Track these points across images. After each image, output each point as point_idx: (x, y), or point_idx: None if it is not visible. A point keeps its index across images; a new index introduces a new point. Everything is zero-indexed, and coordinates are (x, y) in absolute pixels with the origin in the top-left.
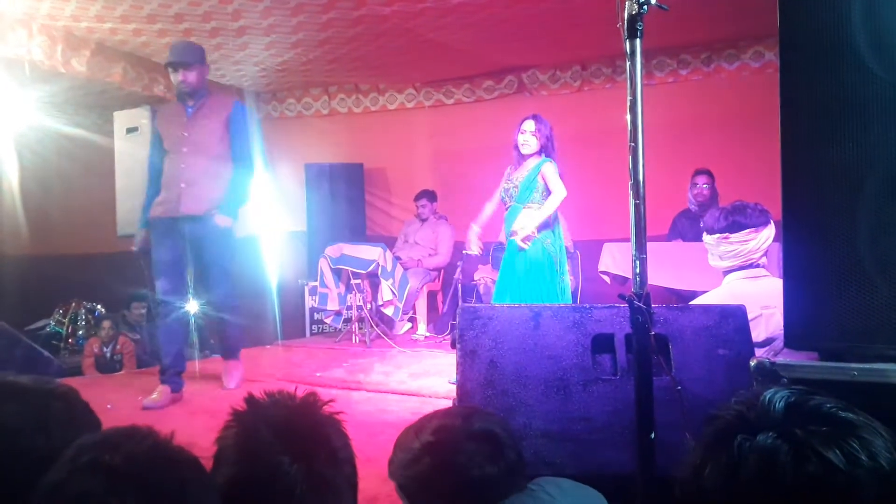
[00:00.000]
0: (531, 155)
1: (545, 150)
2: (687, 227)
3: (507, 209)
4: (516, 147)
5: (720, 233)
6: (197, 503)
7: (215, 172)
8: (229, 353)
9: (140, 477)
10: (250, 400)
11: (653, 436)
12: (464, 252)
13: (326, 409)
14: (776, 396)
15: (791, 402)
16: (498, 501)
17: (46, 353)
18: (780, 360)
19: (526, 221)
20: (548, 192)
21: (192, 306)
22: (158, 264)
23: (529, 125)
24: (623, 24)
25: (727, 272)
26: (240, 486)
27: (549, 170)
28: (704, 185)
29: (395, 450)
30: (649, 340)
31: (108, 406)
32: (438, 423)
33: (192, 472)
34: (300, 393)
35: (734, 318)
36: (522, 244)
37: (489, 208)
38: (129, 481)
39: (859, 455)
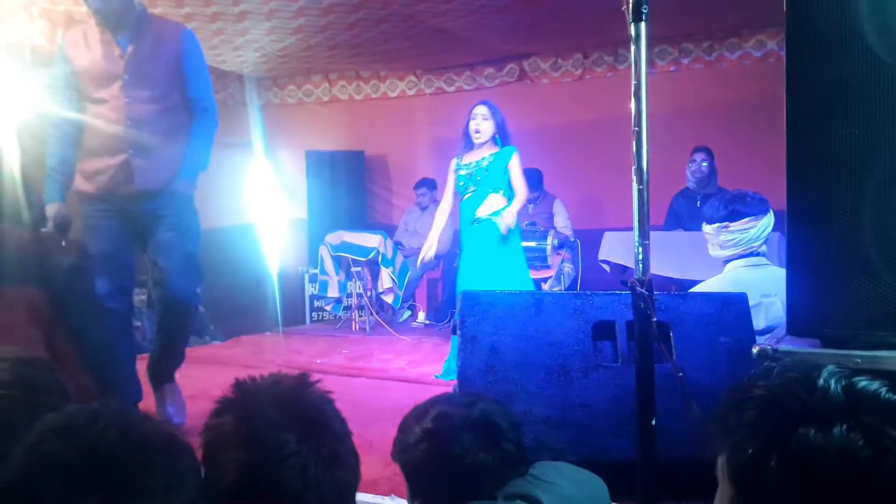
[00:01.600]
0: (485, 143)
1: (502, 137)
2: (684, 207)
3: (464, 198)
4: (466, 135)
5: (720, 221)
6: (167, 491)
7: (172, 129)
8: (167, 373)
9: (102, 471)
10: (241, 386)
11: (654, 422)
12: (418, 264)
13: (318, 387)
14: (830, 378)
15: (846, 384)
16: (495, 489)
17: None
18: (782, 347)
19: (506, 217)
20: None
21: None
22: (98, 258)
23: (482, 109)
24: (628, 6)
25: (727, 261)
26: (251, 469)
27: (516, 164)
28: (703, 163)
29: (399, 431)
30: (651, 327)
31: None
32: (439, 410)
33: (163, 457)
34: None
35: (735, 306)
36: (506, 228)
37: (443, 219)
38: (90, 477)
39: None
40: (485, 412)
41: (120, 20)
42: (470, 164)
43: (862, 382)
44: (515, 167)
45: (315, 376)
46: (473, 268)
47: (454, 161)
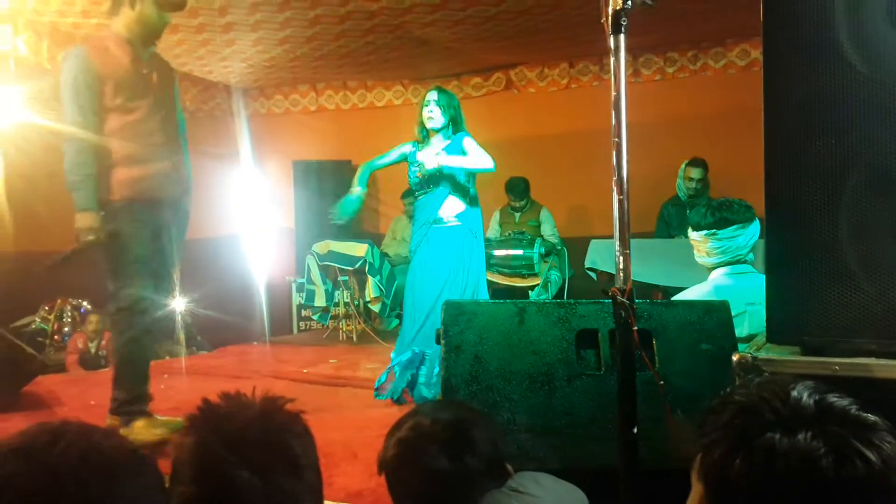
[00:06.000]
0: (440, 129)
1: (454, 123)
2: (674, 215)
3: (419, 195)
4: (420, 122)
5: (708, 230)
6: None
7: (181, 147)
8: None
9: (64, 492)
10: (205, 409)
11: (636, 430)
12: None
13: (288, 407)
14: (804, 391)
15: (818, 398)
16: (470, 500)
17: (29, 350)
18: (762, 354)
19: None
20: (472, 175)
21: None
22: (140, 258)
23: (433, 94)
24: (607, 19)
25: (713, 268)
26: (193, 502)
27: (471, 145)
28: (699, 184)
29: (385, 440)
30: (632, 335)
31: (92, 402)
32: (415, 420)
33: (126, 475)
34: (258, 394)
35: (718, 313)
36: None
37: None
38: (52, 499)
39: (892, 456)
40: (457, 423)
41: (154, 39)
42: (426, 160)
43: (833, 398)
44: (470, 144)
45: (292, 392)
46: (425, 271)
47: (409, 145)
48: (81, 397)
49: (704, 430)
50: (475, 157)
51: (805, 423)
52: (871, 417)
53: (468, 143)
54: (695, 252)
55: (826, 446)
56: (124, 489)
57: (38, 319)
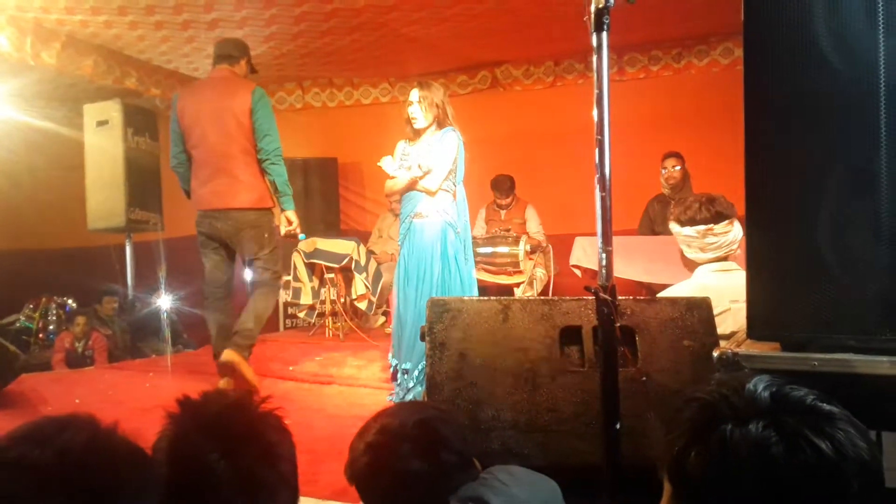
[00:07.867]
0: (426, 128)
1: (440, 120)
2: (658, 211)
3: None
4: (408, 121)
5: (704, 224)
6: (133, 501)
7: None
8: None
9: (71, 476)
10: (183, 402)
11: (618, 426)
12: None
13: (265, 405)
14: (759, 384)
15: (774, 391)
16: (443, 496)
17: (13, 348)
18: (742, 350)
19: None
20: (456, 172)
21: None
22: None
23: (415, 94)
24: (590, 17)
25: (706, 263)
26: (169, 488)
27: (447, 142)
28: (675, 168)
29: (350, 448)
30: (615, 332)
31: (77, 401)
32: (381, 424)
33: (130, 467)
34: (237, 391)
35: (699, 310)
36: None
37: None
38: (59, 481)
39: (845, 444)
40: (424, 422)
41: None
42: (410, 155)
43: (788, 388)
44: (443, 143)
45: (278, 390)
46: (409, 267)
47: (401, 143)
48: (66, 396)
49: (668, 430)
50: (428, 178)
51: (758, 414)
52: (827, 407)
53: (443, 143)
54: (685, 248)
55: (777, 435)
56: (129, 479)
57: (22, 317)
